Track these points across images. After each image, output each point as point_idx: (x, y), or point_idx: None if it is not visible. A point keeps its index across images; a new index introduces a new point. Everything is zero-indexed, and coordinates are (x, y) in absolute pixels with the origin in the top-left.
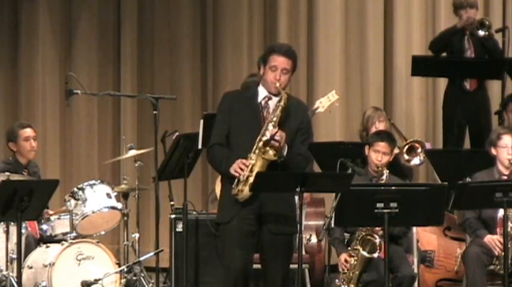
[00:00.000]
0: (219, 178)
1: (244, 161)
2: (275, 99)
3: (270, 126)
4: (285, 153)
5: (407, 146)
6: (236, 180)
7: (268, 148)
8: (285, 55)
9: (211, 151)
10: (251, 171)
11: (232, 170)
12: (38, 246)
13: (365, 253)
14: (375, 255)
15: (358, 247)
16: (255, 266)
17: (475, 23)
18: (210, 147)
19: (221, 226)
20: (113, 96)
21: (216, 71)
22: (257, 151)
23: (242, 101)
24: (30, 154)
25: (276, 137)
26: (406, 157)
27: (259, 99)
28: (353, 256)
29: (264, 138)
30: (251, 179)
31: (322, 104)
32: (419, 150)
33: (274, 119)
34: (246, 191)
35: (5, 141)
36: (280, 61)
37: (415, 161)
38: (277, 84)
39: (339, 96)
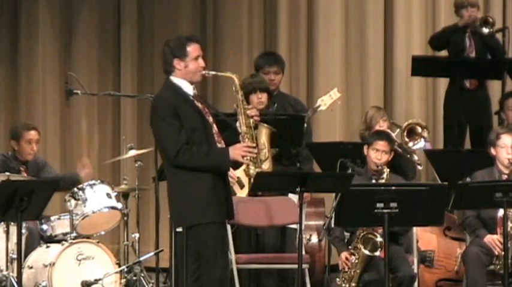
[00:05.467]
0: None
1: (246, 143)
2: (195, 89)
3: (245, 104)
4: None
5: (406, 131)
6: (243, 168)
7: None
8: (198, 42)
9: (182, 153)
10: (263, 148)
11: (238, 157)
12: (39, 246)
13: (366, 251)
14: (377, 253)
15: (360, 246)
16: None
17: (476, 21)
18: (178, 151)
19: (200, 227)
20: (113, 96)
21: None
22: (251, 131)
23: (179, 99)
24: (29, 156)
25: (255, 113)
26: (407, 140)
27: (190, 92)
28: (354, 255)
29: (249, 117)
30: (269, 154)
31: (324, 102)
32: (419, 130)
33: (242, 97)
34: (267, 165)
35: (7, 138)
36: (199, 49)
37: (420, 144)
38: (208, 72)
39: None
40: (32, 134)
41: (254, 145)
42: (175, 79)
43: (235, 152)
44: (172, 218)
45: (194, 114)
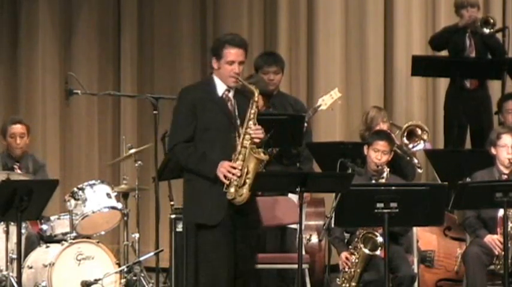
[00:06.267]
0: None
1: (232, 164)
2: (232, 91)
3: (251, 125)
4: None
5: (406, 133)
6: (225, 184)
7: (257, 148)
8: (239, 47)
9: (177, 150)
10: (247, 173)
11: (220, 175)
12: (38, 246)
13: (366, 251)
14: (377, 253)
15: (360, 245)
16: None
17: (477, 21)
18: (175, 145)
19: (204, 228)
20: (113, 96)
21: None
22: (246, 152)
23: (205, 96)
24: (16, 151)
25: (259, 136)
26: (407, 142)
27: (220, 93)
28: (354, 254)
29: (249, 136)
30: (249, 181)
31: (324, 101)
32: (419, 132)
33: (252, 116)
34: (245, 194)
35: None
36: (236, 54)
37: (419, 146)
38: (239, 79)
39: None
40: (15, 128)
41: (240, 167)
42: (214, 76)
43: (220, 169)
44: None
45: (213, 114)
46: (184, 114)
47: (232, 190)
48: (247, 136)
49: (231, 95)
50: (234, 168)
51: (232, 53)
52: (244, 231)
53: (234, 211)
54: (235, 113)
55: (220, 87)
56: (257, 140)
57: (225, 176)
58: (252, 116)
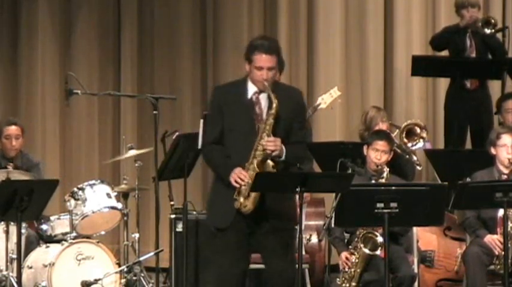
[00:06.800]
0: None
1: (242, 171)
2: (264, 94)
3: (265, 136)
4: (283, 156)
5: (405, 132)
6: (237, 191)
7: (267, 161)
8: (268, 53)
9: (205, 151)
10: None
11: (232, 180)
12: (38, 246)
13: (367, 250)
14: (377, 252)
15: (360, 245)
16: (256, 266)
17: (478, 22)
18: (204, 146)
19: (217, 231)
20: (113, 96)
21: (216, 71)
22: (255, 162)
23: (233, 97)
24: (11, 152)
25: (270, 148)
26: (406, 141)
27: (250, 94)
28: (354, 254)
29: (260, 148)
30: (253, 195)
31: (324, 100)
32: (418, 131)
33: (268, 127)
34: (249, 206)
35: None
36: (264, 60)
37: (419, 145)
38: (266, 84)
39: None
40: (10, 129)
41: (247, 179)
42: (248, 78)
43: (232, 174)
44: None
45: (237, 116)
46: (212, 115)
47: (241, 199)
48: (260, 147)
49: (261, 97)
50: (242, 178)
51: (260, 59)
52: (271, 231)
53: (260, 212)
54: (263, 117)
55: (251, 90)
56: (269, 152)
57: (235, 182)
58: (267, 127)
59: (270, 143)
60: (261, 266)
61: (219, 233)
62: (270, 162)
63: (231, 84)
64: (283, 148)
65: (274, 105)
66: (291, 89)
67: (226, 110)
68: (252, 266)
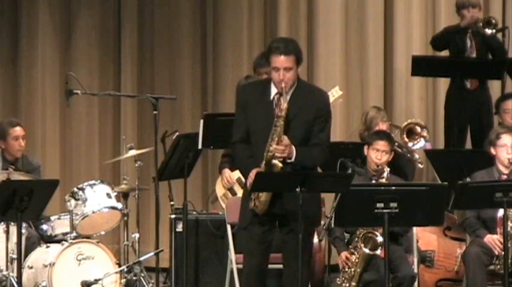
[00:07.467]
0: (219, 178)
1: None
2: (287, 95)
3: (275, 138)
4: (293, 158)
5: (405, 131)
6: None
7: (275, 162)
8: (283, 53)
9: (233, 151)
10: None
11: (248, 182)
12: (39, 246)
13: (367, 250)
14: (377, 252)
15: (360, 244)
16: (273, 266)
17: (478, 22)
18: (233, 144)
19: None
20: (113, 96)
21: (216, 71)
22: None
23: (257, 97)
24: (18, 153)
25: (277, 154)
26: (407, 140)
27: (272, 95)
28: (354, 254)
29: (271, 150)
30: (264, 196)
31: None
32: (419, 130)
33: (279, 129)
34: (260, 206)
35: None
36: (280, 61)
37: (420, 144)
38: (283, 85)
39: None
40: (18, 131)
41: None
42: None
43: (250, 175)
44: None
45: (257, 117)
46: (238, 113)
47: (254, 199)
48: (271, 148)
49: (282, 99)
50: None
51: (276, 61)
52: (293, 233)
53: (283, 209)
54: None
55: (273, 91)
56: (278, 155)
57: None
58: (278, 129)
59: (278, 149)
60: (281, 266)
61: (241, 230)
62: (278, 163)
63: (255, 84)
64: (293, 150)
65: (283, 107)
66: (315, 91)
67: (249, 110)
68: (272, 266)
